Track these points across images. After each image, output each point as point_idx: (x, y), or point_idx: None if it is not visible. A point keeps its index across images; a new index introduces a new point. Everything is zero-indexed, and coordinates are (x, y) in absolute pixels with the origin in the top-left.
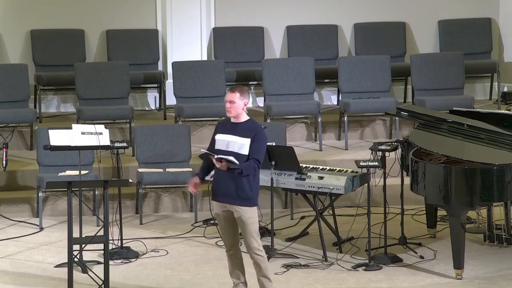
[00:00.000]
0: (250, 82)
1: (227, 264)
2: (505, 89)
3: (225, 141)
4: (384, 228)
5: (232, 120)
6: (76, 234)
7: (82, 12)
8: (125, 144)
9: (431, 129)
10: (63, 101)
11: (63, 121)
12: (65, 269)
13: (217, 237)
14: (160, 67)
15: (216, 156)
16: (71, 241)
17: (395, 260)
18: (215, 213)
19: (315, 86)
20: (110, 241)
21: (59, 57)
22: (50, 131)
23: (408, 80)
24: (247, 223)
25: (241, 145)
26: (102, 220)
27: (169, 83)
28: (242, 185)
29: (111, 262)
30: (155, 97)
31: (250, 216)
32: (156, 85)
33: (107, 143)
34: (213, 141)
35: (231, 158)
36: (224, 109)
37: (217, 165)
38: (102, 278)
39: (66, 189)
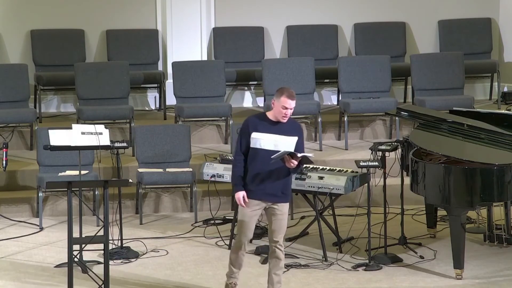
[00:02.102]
0: (250, 82)
1: (227, 264)
2: (505, 89)
3: (272, 140)
4: (384, 228)
5: (272, 119)
6: (76, 234)
7: (82, 12)
8: (125, 144)
9: (431, 129)
10: (63, 101)
11: (63, 121)
12: (65, 269)
13: (217, 237)
14: (160, 67)
15: (300, 155)
16: (71, 241)
17: (395, 260)
18: (248, 212)
19: (315, 86)
20: (110, 241)
21: (59, 57)
22: (50, 131)
23: (408, 80)
24: (284, 218)
25: (291, 144)
26: (102, 220)
27: (169, 83)
28: (288, 183)
29: (111, 262)
30: (155, 97)
31: (287, 211)
32: (156, 85)
33: (107, 143)
34: (247, 139)
35: (311, 155)
36: (224, 109)
37: (291, 164)
38: (102, 278)
39: (66, 189)
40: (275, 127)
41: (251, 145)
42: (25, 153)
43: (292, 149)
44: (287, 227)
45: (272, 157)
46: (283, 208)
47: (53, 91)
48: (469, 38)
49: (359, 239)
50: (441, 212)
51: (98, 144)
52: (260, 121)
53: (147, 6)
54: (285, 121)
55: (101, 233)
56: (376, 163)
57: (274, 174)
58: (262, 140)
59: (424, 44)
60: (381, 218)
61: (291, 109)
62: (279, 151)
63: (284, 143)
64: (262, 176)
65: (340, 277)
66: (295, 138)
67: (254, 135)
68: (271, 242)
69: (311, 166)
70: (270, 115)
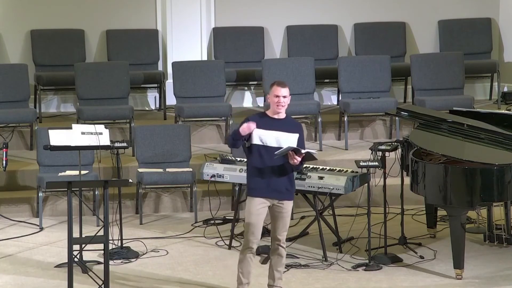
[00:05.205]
0: (250, 82)
1: (227, 264)
2: (505, 89)
3: (274, 137)
4: (384, 228)
5: (272, 115)
6: (76, 234)
7: (82, 12)
8: (125, 144)
9: (431, 129)
10: (63, 101)
11: (63, 121)
12: (65, 269)
13: (217, 237)
14: (160, 67)
15: (304, 151)
16: (71, 241)
17: (395, 260)
18: (254, 210)
19: (315, 86)
20: (110, 241)
21: (59, 57)
22: (50, 131)
23: (408, 80)
24: (288, 216)
25: (292, 141)
26: (102, 220)
27: (169, 83)
28: (291, 180)
29: (111, 262)
30: (155, 97)
31: (291, 209)
32: (156, 85)
33: (107, 143)
34: (248, 135)
35: (314, 151)
36: (224, 109)
37: (295, 160)
38: (102, 278)
39: (66, 189)
40: (276, 124)
41: (253, 141)
42: (25, 153)
43: (294, 146)
44: None
45: (276, 152)
46: (288, 206)
47: (53, 91)
48: (469, 38)
49: (359, 239)
50: (441, 212)
51: (98, 144)
52: (260, 118)
53: (147, 6)
54: (280, 110)
55: (101, 233)
56: (376, 163)
57: (277, 170)
58: (264, 136)
59: (424, 44)
60: (381, 218)
61: (284, 96)
62: (282, 147)
63: (286, 140)
64: (265, 173)
65: (340, 277)
66: (296, 135)
67: (256, 131)
68: (274, 240)
69: (311, 166)
70: (269, 112)
